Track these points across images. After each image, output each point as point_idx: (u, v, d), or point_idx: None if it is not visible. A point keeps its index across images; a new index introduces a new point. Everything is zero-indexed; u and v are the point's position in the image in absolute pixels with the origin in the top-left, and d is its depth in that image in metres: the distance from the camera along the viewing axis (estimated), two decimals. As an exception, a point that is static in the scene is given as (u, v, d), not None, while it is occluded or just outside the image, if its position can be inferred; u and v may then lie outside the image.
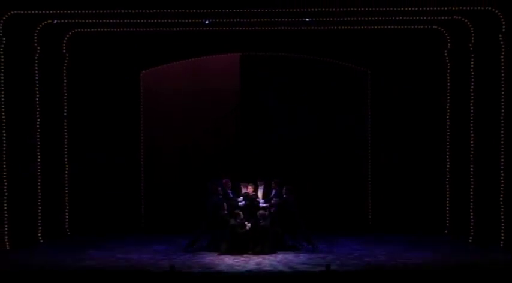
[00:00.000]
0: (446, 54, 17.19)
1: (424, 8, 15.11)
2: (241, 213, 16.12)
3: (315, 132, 18.80)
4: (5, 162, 15.30)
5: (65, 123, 17.08)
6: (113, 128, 17.95)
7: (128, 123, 18.14)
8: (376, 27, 16.91)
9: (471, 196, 16.09)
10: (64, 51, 17.03)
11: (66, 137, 17.09)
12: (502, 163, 15.40)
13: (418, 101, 17.83)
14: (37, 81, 16.17)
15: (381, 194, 18.25)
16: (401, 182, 17.95)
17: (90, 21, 16.25)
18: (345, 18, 16.03)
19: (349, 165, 18.76)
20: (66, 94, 17.10)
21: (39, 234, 16.12)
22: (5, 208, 15.29)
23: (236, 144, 18.90)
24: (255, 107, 18.94)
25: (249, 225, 15.91)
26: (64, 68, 17.09)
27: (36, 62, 16.15)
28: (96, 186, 17.80)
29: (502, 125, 15.38)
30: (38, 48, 16.13)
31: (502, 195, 15.39)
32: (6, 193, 15.29)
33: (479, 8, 14.97)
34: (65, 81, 17.09)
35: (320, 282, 13.11)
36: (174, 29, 16.89)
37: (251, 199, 16.51)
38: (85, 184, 17.63)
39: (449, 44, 17.11)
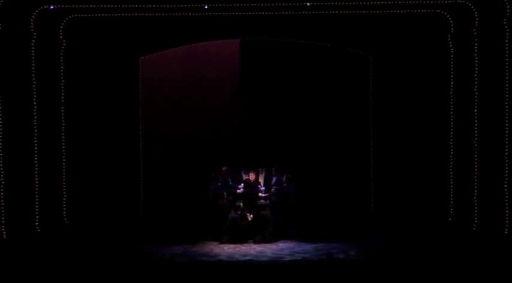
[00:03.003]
0: (449, 39, 17.05)
1: (427, -9, 15.27)
2: (241, 204, 16.34)
3: (316, 118, 18.75)
4: (1, 151, 15.27)
5: (62, 111, 17.01)
6: (111, 115, 17.90)
7: (126, 110, 18.14)
8: (378, 11, 16.79)
9: (475, 183, 16.09)
10: (61, 37, 16.93)
11: (64, 124, 17.02)
12: (507, 149, 15.38)
13: (421, 87, 17.71)
14: (33, 68, 16.08)
15: (382, 182, 18.18)
16: (404, 169, 17.85)
17: (87, 6, 16.23)
18: (346, 3, 15.98)
19: (350, 153, 18.65)
20: (63, 81, 17.03)
21: (37, 224, 16.09)
22: (2, 197, 15.23)
23: (236, 131, 18.83)
24: (256, 93, 18.81)
25: (251, 216, 16.11)
26: (61, 54, 16.99)
27: (33, 48, 16.04)
28: (94, 174, 17.71)
29: (507, 111, 15.37)
30: (35, 34, 16.01)
31: (506, 182, 15.34)
32: (3, 182, 15.25)
33: (483, -9, 15.15)
34: (62, 67, 17.01)
35: (322, 271, 13.19)
36: (173, 14, 16.87)
37: (252, 186, 16.67)
38: (83, 173, 17.55)
39: (452, 29, 16.97)
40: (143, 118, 18.44)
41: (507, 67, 15.28)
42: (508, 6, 15.05)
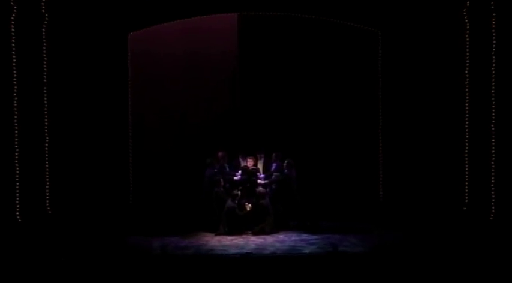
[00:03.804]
0: (465, 13, 16.69)
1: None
2: (239, 192, 16.33)
3: (319, 100, 18.64)
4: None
5: (45, 91, 16.86)
6: (97, 96, 17.60)
7: (113, 91, 17.76)
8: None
9: (492, 170, 15.87)
10: (43, 11, 16.73)
11: (46, 106, 16.88)
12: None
13: (434, 66, 17.41)
14: (13, 45, 15.77)
15: (392, 168, 18.02)
16: (415, 155, 17.65)
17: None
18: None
19: (357, 137, 18.54)
20: (45, 59, 16.76)
21: (18, 214, 16.03)
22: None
23: (234, 113, 18.79)
24: (255, 72, 18.70)
25: (250, 205, 16.11)
26: (43, 30, 16.76)
27: (13, 23, 15.77)
28: (79, 160, 17.47)
29: (528, 91, 15.25)
30: (15, 7, 15.80)
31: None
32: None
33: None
34: (45, 44, 16.71)
35: (326, 265, 13.10)
36: (165, -15, 16.75)
37: (250, 174, 16.62)
38: (67, 159, 17.25)
39: (468, 2, 16.66)
40: (132, 99, 18.05)
41: (528, 44, 15.03)
42: (529, -23, 14.81)
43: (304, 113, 18.73)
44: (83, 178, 17.50)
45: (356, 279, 12.60)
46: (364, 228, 16.24)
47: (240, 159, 17.10)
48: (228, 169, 16.91)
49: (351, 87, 18.58)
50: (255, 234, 15.72)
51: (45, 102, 16.73)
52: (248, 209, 16.10)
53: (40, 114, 16.66)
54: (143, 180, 18.39)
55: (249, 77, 18.81)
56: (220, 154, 16.84)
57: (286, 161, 16.60)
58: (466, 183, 16.84)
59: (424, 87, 17.61)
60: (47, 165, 16.74)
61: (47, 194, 16.75)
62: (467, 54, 16.77)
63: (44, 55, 16.70)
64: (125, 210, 17.68)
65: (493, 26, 15.86)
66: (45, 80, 16.73)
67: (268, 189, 16.51)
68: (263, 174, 16.96)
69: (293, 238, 15.35)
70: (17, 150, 15.87)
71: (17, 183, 15.87)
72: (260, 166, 17.06)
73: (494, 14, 15.85)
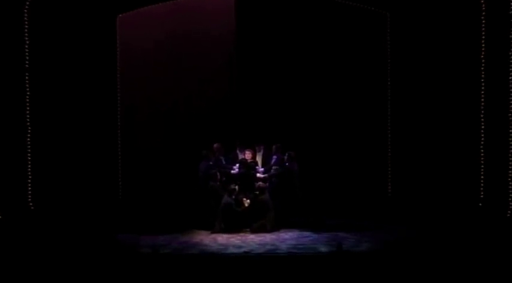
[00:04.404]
0: (480, -6, 16.77)
1: None
2: (236, 188, 16.24)
3: (323, 87, 18.45)
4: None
5: (27, 79, 16.63)
6: (83, 83, 17.45)
7: (101, 77, 17.65)
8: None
9: (510, 163, 15.80)
10: (25, -9, 16.71)
11: (28, 94, 16.63)
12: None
13: (447, 51, 17.22)
14: (-9, 28, 15.77)
15: (402, 160, 17.92)
16: (427, 146, 17.55)
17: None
18: None
19: (364, 127, 18.43)
20: (27, 43, 16.58)
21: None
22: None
23: (231, 101, 18.56)
24: (254, 55, 18.52)
25: (248, 201, 16.02)
26: (25, 12, 16.55)
27: (-10, 4, 15.74)
28: (63, 152, 17.34)
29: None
30: (-7, -13, 15.79)
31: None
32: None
33: None
34: (26, 28, 16.57)
35: (331, 265, 12.97)
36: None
37: (248, 167, 16.48)
38: (50, 150, 17.12)
39: (484, -19, 16.72)
40: (121, 87, 18.08)
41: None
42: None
43: (307, 101, 18.53)
44: (68, 171, 17.39)
45: (363, 280, 12.49)
46: (371, 225, 16.18)
47: (238, 151, 16.97)
48: (224, 162, 16.75)
49: (357, 74, 18.45)
50: (253, 231, 15.63)
51: (27, 90, 16.74)
52: (246, 205, 15.99)
53: (21, 103, 16.64)
54: (133, 173, 18.30)
55: (248, 62, 18.58)
56: (216, 146, 16.67)
57: (287, 153, 16.46)
58: (482, 178, 16.83)
59: (436, 74, 17.48)
60: (29, 158, 16.69)
61: (29, 189, 16.69)
62: (483, 38, 16.70)
63: (26, 39, 16.68)
64: (114, 206, 17.61)
65: (511, 7, 15.68)
66: (27, 66, 16.66)
67: (267, 184, 16.35)
68: (262, 167, 16.83)
69: (295, 236, 15.28)
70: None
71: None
72: (259, 159, 16.95)
73: (512, -4, 15.68)
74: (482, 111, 16.75)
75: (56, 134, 17.29)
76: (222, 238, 15.09)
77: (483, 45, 16.67)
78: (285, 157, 16.52)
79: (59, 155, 17.29)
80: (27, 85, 16.68)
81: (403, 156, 17.94)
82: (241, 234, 15.55)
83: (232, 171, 16.65)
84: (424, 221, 16.24)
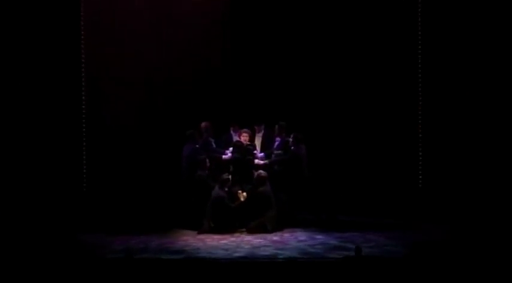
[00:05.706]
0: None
1: None
2: (230, 177, 16.08)
3: (337, 59, 17.99)
4: None
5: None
6: (43, 55, 17.28)
7: (63, 49, 17.39)
8: None
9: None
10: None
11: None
12: None
13: (485, 37, 17.21)
14: None
15: (434, 149, 17.60)
16: (462, 134, 17.40)
17: None
18: None
19: (388, 106, 17.91)
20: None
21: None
22: None
23: (224, 71, 18.18)
24: (253, 16, 18.17)
25: (244, 194, 15.88)
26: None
27: None
28: (19, 138, 17.26)
29: None
30: None
31: None
32: None
33: None
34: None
35: (346, 273, 12.65)
36: None
37: (245, 151, 16.26)
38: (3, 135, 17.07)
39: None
40: (86, 58, 17.67)
41: None
42: None
43: (317, 74, 18.01)
44: (24, 159, 17.27)
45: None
46: (396, 223, 16.31)
47: (232, 132, 16.77)
48: (214, 146, 16.52)
49: (382, 48, 18.01)
50: (251, 232, 15.56)
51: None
52: (242, 199, 15.80)
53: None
54: (101, 160, 17.82)
55: (245, 24, 18.25)
56: (203, 124, 16.43)
57: (292, 135, 16.19)
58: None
59: (473, 60, 17.49)
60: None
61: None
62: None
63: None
64: (76, 200, 17.28)
65: None
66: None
67: (268, 172, 16.06)
68: (262, 152, 16.64)
69: (302, 237, 15.23)
70: None
71: None
72: (258, 141, 16.79)
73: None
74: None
75: (9, 117, 17.41)
76: (212, 240, 15.02)
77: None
78: (290, 139, 16.23)
79: (11, 141, 17.38)
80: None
81: (436, 144, 17.74)
82: (236, 235, 15.49)
83: (224, 157, 16.39)
84: (460, 220, 16.32)
